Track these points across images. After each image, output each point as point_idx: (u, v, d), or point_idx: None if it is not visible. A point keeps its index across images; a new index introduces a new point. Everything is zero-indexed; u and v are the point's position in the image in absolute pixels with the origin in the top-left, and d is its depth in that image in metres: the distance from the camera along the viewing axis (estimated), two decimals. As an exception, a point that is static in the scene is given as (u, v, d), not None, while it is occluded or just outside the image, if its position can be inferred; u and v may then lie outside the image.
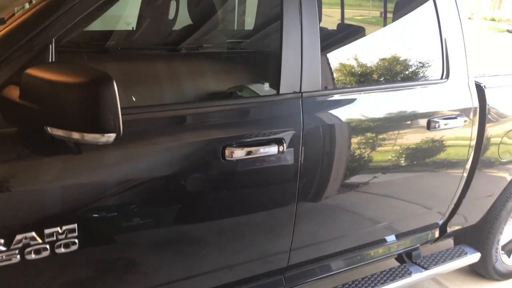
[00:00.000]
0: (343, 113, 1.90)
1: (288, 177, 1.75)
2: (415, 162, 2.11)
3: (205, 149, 1.57)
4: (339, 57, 2.17)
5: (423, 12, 2.22)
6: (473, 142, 2.28)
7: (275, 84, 1.74)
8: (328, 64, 2.05)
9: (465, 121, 2.18)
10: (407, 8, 2.36)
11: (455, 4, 2.18)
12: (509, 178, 2.57)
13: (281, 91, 1.73)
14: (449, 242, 2.93)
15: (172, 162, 1.52)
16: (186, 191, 1.57)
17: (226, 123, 1.64)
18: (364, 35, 2.46)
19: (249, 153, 1.62)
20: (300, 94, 1.76)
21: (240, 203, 1.69)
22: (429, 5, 2.15)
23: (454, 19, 2.18)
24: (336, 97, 1.91)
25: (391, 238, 2.35)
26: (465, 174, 2.33)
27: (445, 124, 2.11)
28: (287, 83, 1.74)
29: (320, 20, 2.78)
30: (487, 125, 2.32)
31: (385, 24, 2.76)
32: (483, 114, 2.30)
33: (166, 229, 1.57)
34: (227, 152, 1.57)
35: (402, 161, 2.08)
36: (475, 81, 2.35)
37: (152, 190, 1.50)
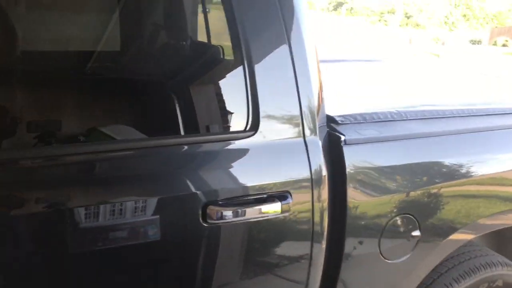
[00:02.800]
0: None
1: None
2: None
3: None
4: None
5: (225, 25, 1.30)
6: (321, 239, 1.31)
7: None
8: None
9: (289, 204, 1.22)
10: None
11: (280, 21, 1.26)
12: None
13: None
14: None
15: None
16: None
17: None
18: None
19: None
20: None
21: None
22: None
23: (277, 42, 1.25)
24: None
25: None
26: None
27: (241, 213, 1.16)
28: None
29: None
30: (350, 208, 1.35)
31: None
32: (341, 190, 1.34)
33: None
34: None
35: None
36: (331, 132, 1.40)
37: None
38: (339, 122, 1.46)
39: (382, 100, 1.89)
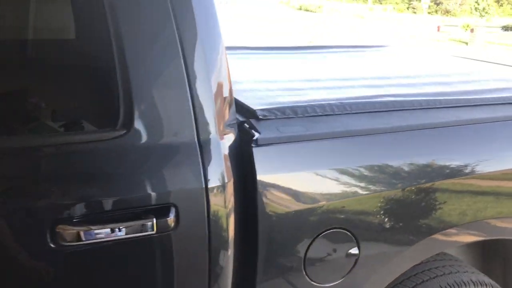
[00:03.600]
0: None
1: None
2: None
3: None
4: None
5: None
6: (222, 262, 1.07)
7: None
8: None
9: (172, 220, 0.98)
10: None
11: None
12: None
13: None
14: None
15: None
16: None
17: None
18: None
19: None
20: None
21: None
22: None
23: (159, 18, 1.00)
24: None
25: None
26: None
27: (100, 233, 0.93)
28: None
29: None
30: (263, 221, 1.11)
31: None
32: (252, 199, 1.09)
33: None
34: None
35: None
36: (243, 130, 1.16)
37: None
38: (261, 117, 1.22)
39: (344, 90, 1.62)
